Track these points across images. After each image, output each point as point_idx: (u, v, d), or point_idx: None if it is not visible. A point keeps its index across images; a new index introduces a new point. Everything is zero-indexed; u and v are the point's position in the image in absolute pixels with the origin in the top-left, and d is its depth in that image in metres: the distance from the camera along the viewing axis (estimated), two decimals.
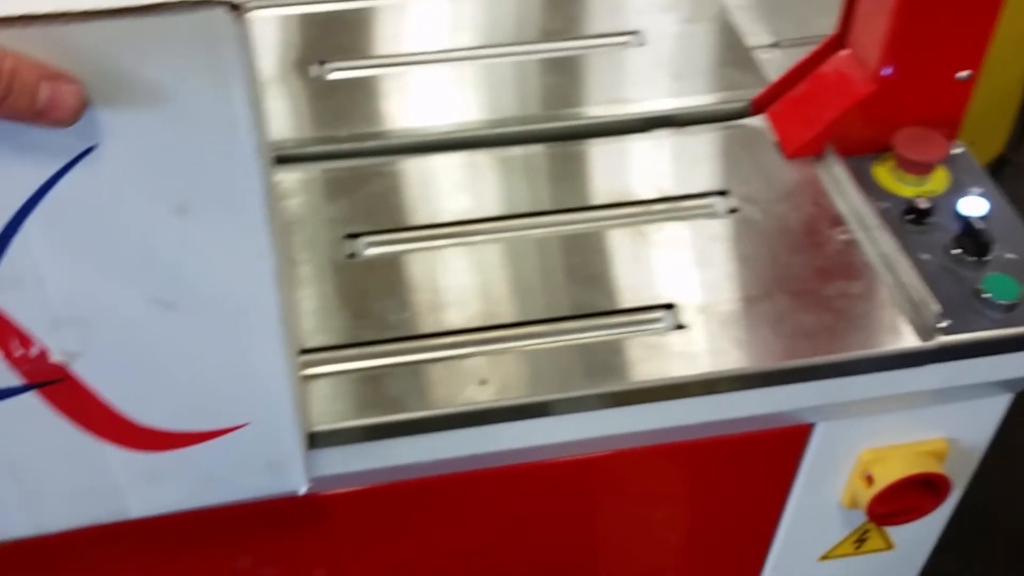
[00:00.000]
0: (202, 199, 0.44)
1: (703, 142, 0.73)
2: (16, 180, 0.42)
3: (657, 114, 0.75)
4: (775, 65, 0.77)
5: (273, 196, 0.46)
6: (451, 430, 0.58)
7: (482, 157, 0.72)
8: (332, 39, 0.81)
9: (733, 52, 0.79)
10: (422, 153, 0.72)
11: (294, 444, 0.53)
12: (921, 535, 0.77)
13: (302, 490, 0.55)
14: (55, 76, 0.39)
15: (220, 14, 0.39)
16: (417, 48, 0.80)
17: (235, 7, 0.39)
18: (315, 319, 0.61)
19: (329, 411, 0.56)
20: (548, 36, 0.81)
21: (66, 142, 0.41)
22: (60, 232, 0.43)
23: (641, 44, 0.80)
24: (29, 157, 0.41)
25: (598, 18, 0.83)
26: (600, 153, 0.72)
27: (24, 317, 0.45)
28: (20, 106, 0.39)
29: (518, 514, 0.70)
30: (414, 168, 0.71)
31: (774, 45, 0.79)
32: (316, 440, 0.56)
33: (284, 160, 0.71)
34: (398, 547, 0.69)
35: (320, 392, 0.57)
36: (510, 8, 0.84)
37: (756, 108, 0.74)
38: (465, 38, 0.81)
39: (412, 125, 0.74)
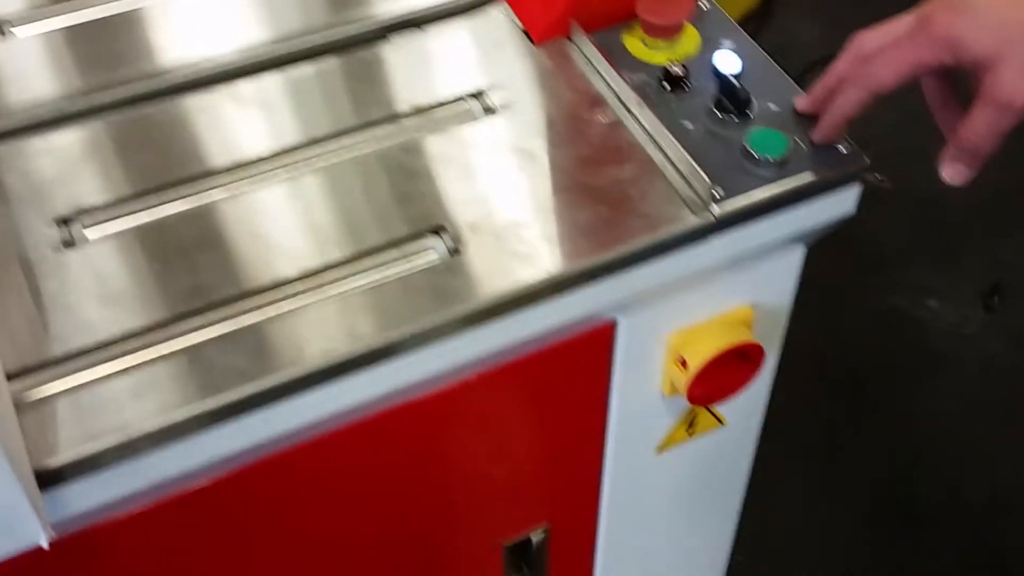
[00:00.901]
0: None
1: (447, 42, 0.67)
2: None
3: (391, 18, 0.68)
4: None
5: None
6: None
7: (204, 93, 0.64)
8: None
9: None
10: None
11: (15, 495, 0.45)
12: (750, 405, 0.76)
13: (44, 541, 0.47)
14: None
15: None
16: None
17: None
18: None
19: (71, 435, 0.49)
20: None
21: None
22: None
23: None
24: None
25: None
26: (339, 71, 0.66)
27: None
28: None
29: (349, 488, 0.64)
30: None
31: None
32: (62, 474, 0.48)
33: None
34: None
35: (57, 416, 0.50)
36: None
37: None
38: None
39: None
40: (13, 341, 0.52)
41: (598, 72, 0.64)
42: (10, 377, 0.51)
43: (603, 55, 0.64)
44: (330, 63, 0.66)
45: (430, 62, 0.66)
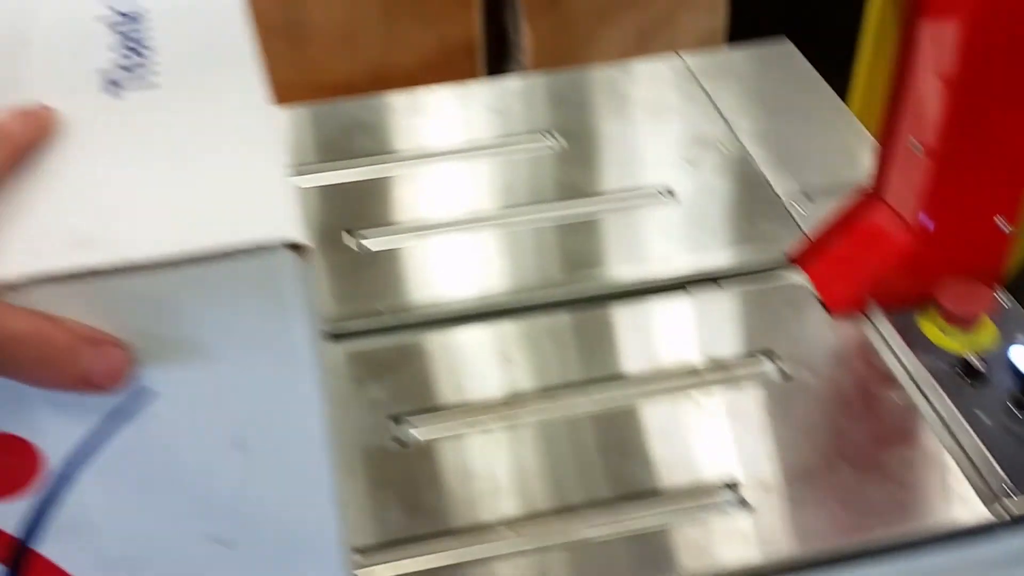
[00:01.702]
0: (261, 434, 0.42)
1: (742, 299, 0.72)
2: (68, 435, 0.40)
3: (691, 272, 0.74)
4: (808, 216, 0.76)
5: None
6: None
7: (513, 327, 0.70)
8: (351, 208, 0.80)
9: (764, 204, 0.78)
10: (452, 325, 0.71)
11: None
12: None
13: None
14: (100, 340, 0.38)
15: (283, 256, 0.38)
16: (442, 214, 0.80)
17: (297, 247, 0.38)
18: (364, 513, 0.59)
19: None
20: (572, 195, 0.81)
21: (120, 398, 0.40)
22: (117, 481, 0.41)
23: (667, 199, 0.80)
24: (82, 413, 0.40)
25: (621, 175, 0.83)
26: (634, 316, 0.71)
27: (75, 565, 0.43)
28: (62, 376, 0.37)
29: None
30: (444, 342, 0.69)
31: (805, 195, 0.78)
32: None
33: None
34: None
35: None
36: (532, 168, 0.84)
37: (793, 262, 0.73)
38: (490, 201, 0.81)
39: (442, 297, 0.72)
40: (351, 525, 0.58)
41: (893, 351, 0.67)
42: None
43: (900, 335, 0.67)
44: (637, 307, 0.72)
45: (723, 316, 0.71)
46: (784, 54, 0.94)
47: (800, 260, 0.73)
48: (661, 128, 0.87)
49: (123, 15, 0.47)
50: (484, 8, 1.51)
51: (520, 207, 0.80)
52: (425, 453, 0.62)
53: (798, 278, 0.73)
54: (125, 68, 0.45)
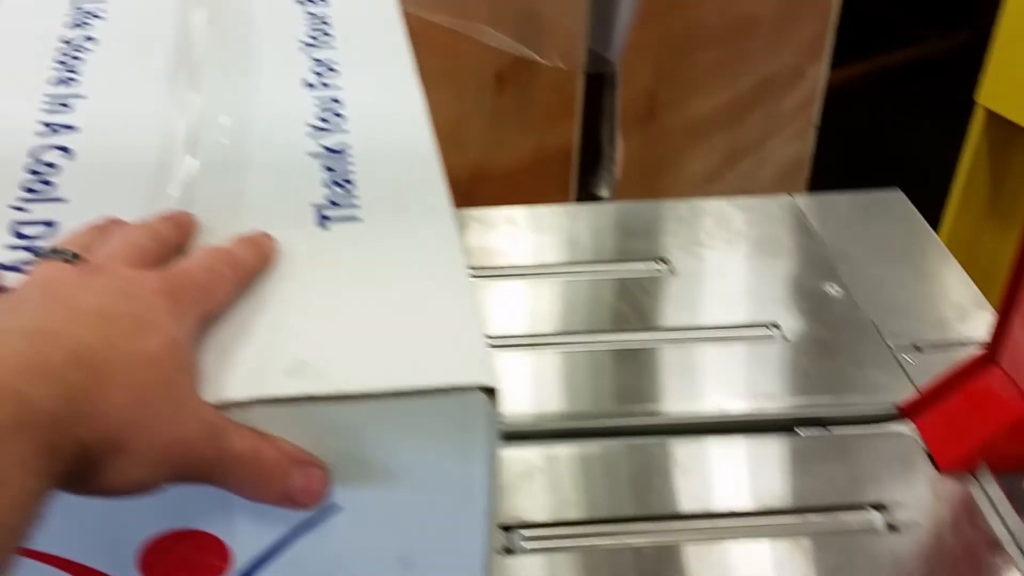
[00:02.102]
0: (426, 555, 0.45)
1: (850, 446, 0.73)
2: (258, 540, 0.43)
3: (797, 412, 0.75)
4: (917, 368, 0.78)
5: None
6: None
7: (616, 446, 0.72)
8: None
9: (872, 351, 0.80)
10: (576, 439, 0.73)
11: None
12: None
13: None
14: (305, 461, 0.41)
15: (476, 399, 0.41)
16: (547, 328, 0.82)
17: (491, 391, 0.41)
18: None
19: None
20: (678, 322, 0.83)
21: (310, 512, 0.42)
22: None
23: (775, 337, 0.82)
24: (274, 521, 0.42)
25: (728, 307, 0.85)
26: (738, 453, 0.73)
27: None
28: (270, 492, 0.40)
29: None
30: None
31: (914, 347, 0.80)
32: None
33: None
34: None
35: None
36: (640, 291, 0.87)
37: (904, 414, 0.75)
38: (597, 320, 0.84)
39: (564, 410, 0.75)
40: None
41: (999, 516, 0.68)
42: None
43: (1008, 499, 0.68)
44: (742, 444, 0.73)
45: (830, 461, 0.73)
46: (895, 202, 0.97)
47: (910, 413, 0.75)
48: (770, 264, 0.90)
49: (330, 151, 0.51)
50: (583, 118, 1.56)
51: (627, 331, 0.82)
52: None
53: (907, 430, 0.74)
54: (333, 202, 0.48)
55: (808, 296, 0.86)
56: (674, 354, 0.81)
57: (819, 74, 1.54)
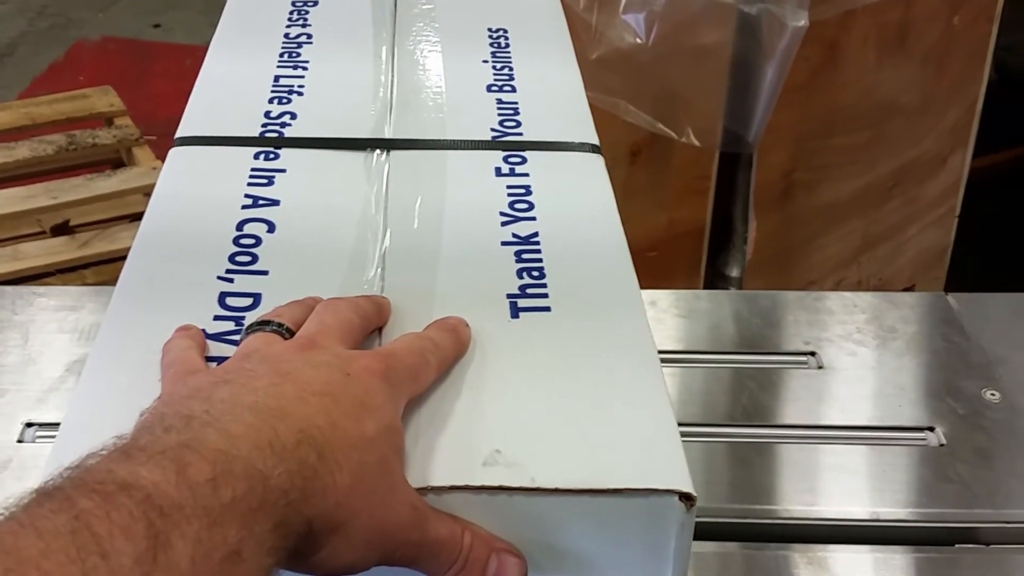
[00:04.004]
0: None
1: (1011, 564, 0.70)
2: None
3: (954, 524, 0.72)
4: None
5: None
6: None
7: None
8: None
9: None
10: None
11: None
12: None
13: None
14: (503, 549, 0.40)
15: (673, 503, 0.40)
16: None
17: (688, 497, 0.40)
18: None
19: None
20: (827, 422, 0.81)
21: None
22: None
23: (930, 443, 0.79)
24: None
25: (878, 407, 0.83)
26: (895, 565, 0.70)
27: None
28: None
29: None
30: None
31: None
32: None
33: None
34: None
35: None
36: (788, 385, 0.85)
37: None
38: (743, 412, 0.82)
39: None
40: None
41: None
42: None
43: None
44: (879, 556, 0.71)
45: None
46: None
47: None
48: (921, 363, 0.87)
49: (521, 239, 0.51)
50: (715, 196, 1.55)
51: (775, 427, 0.81)
52: None
53: None
54: (524, 292, 0.49)
55: (966, 401, 0.83)
56: (820, 452, 0.79)
57: (962, 162, 1.50)
